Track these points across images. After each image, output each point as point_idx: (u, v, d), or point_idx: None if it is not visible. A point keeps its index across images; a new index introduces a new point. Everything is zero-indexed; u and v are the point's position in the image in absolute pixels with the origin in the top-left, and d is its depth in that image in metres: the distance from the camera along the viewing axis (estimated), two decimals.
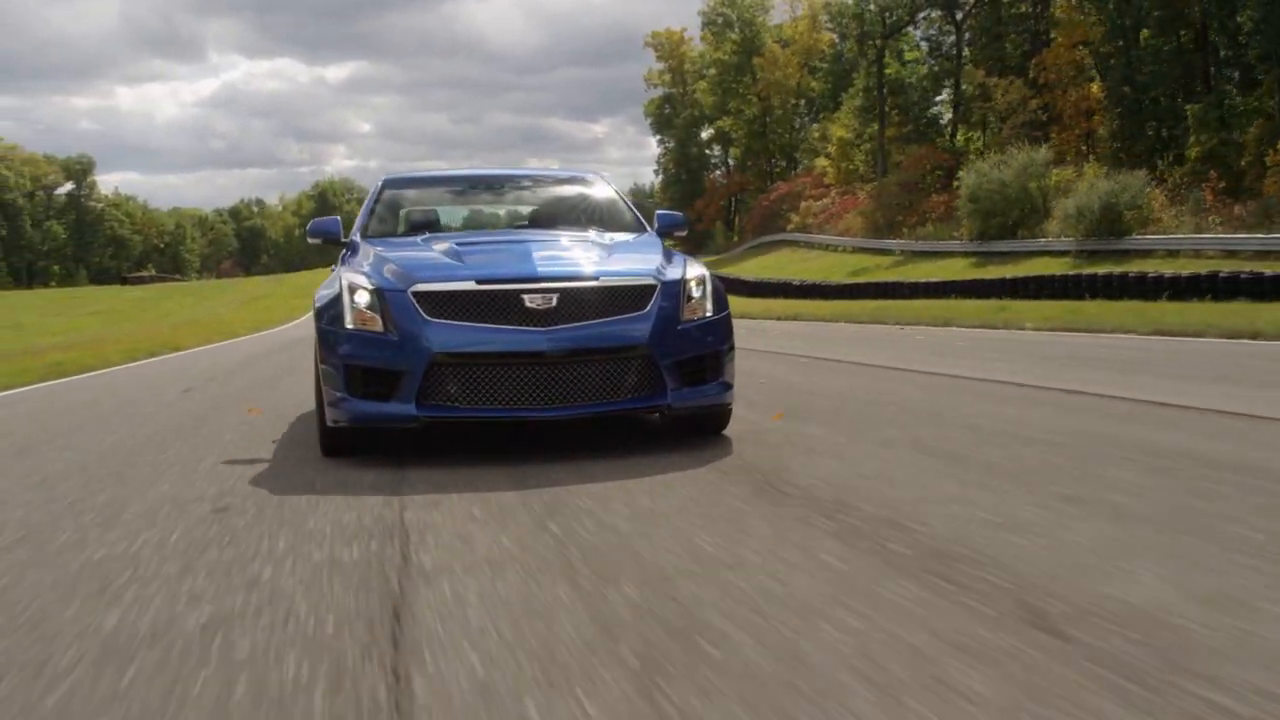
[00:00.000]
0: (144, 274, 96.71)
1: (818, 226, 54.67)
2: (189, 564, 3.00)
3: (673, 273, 4.80)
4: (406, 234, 5.86)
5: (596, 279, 4.59)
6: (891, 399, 6.45)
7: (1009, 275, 27.44)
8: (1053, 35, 48.59)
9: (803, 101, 71.13)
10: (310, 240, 5.90)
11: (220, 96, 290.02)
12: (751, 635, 2.20)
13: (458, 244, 5.11)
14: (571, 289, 4.52)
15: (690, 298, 4.78)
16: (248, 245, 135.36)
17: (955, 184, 41.16)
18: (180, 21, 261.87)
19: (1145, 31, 41.55)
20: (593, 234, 5.59)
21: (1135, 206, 30.27)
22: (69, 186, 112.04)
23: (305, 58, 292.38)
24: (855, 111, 57.21)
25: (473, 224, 6.83)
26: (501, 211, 6.97)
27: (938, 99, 56.09)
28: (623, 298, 4.60)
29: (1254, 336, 10.81)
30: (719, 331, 4.83)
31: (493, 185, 6.95)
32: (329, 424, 4.69)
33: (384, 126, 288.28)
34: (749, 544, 2.97)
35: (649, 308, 4.60)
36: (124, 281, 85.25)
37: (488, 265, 4.74)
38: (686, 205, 78.49)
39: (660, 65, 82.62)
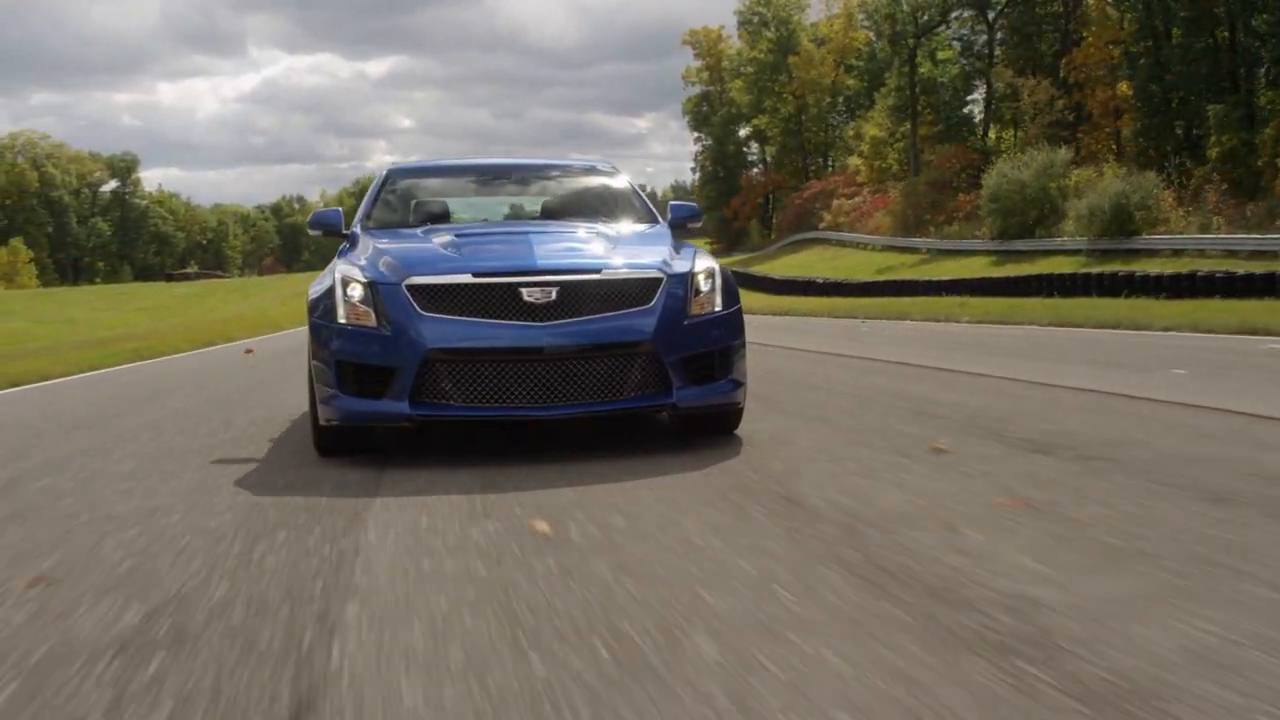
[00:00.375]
0: (188, 271, 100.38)
1: (849, 225, 56.58)
2: (261, 433, 5.25)
3: (680, 265, 4.77)
4: (410, 226, 5.84)
5: (599, 271, 4.55)
6: (769, 369, 8.40)
7: (1016, 274, 29.31)
8: (1084, 34, 50.16)
9: (839, 99, 72.96)
10: (311, 232, 5.92)
11: (261, 92, 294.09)
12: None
13: (458, 236, 5.09)
14: (572, 282, 4.47)
15: (699, 291, 4.74)
16: (289, 242, 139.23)
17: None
18: (220, 17, 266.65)
19: (1177, 30, 43.03)
20: (601, 226, 5.53)
21: (1144, 207, 31.94)
22: (114, 184, 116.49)
23: (346, 52, 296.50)
24: (888, 110, 59.06)
25: (480, 215, 6.84)
26: (510, 202, 6.96)
27: (970, 98, 57.78)
28: (627, 291, 4.55)
29: (1167, 329, 12.76)
30: (729, 327, 4.80)
31: (502, 175, 6.89)
32: (321, 423, 4.70)
33: (425, 121, 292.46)
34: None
35: (654, 302, 4.55)
36: (169, 278, 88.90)
37: (485, 257, 4.73)
38: (723, 203, 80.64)
39: (698, 63, 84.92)
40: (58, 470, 4.61)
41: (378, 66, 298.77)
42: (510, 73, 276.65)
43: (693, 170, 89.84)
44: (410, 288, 4.46)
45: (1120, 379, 6.86)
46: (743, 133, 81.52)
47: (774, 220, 74.15)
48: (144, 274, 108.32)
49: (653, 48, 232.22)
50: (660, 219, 5.84)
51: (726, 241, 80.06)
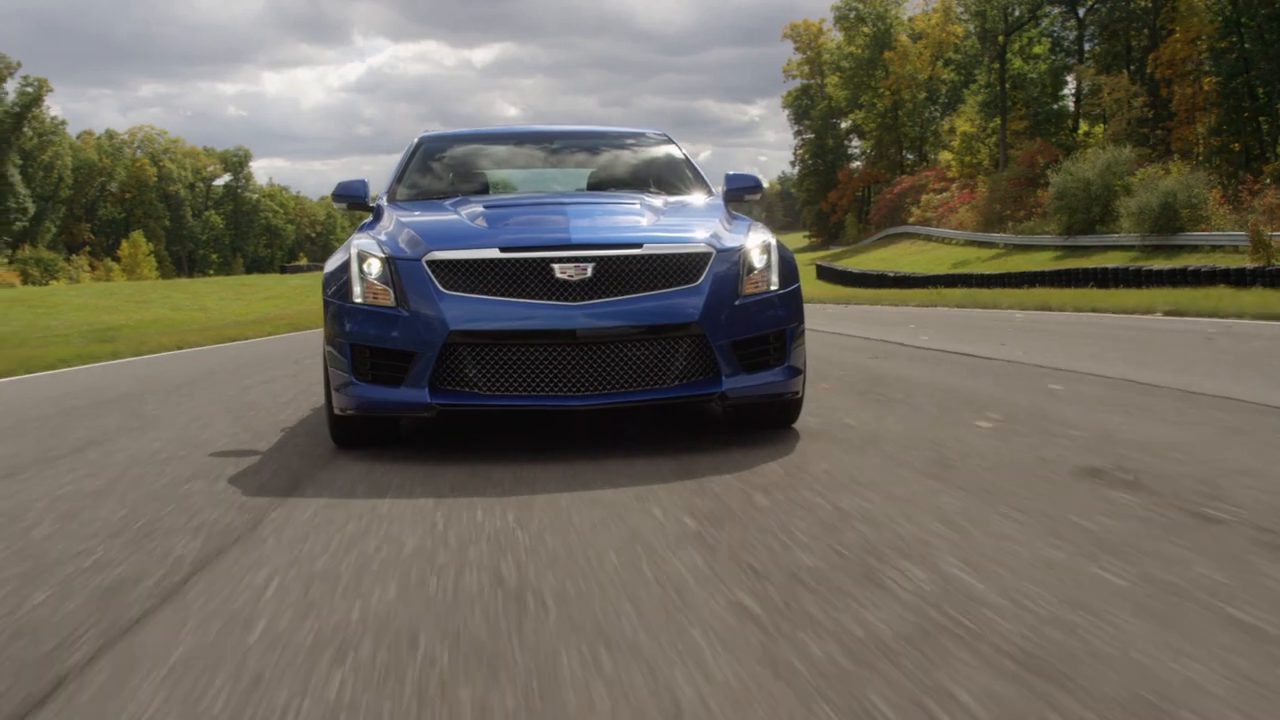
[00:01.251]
0: (300, 264, 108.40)
1: (936, 220, 60.50)
2: None
3: (732, 239, 4.51)
4: (441, 198, 5.66)
5: (640, 246, 4.27)
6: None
7: (1064, 268, 33.37)
8: (1173, 29, 53.17)
9: (935, 93, 76.56)
10: (335, 205, 5.81)
11: (366, 81, 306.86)
12: None
13: (487, 207, 4.88)
14: (610, 257, 4.21)
15: (752, 268, 4.47)
16: None
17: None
18: (326, 5, 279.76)
19: (1251, 23, 46.00)
20: (647, 197, 5.34)
21: (1190, 205, 35.64)
22: (227, 178, 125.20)
23: (451, 40, 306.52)
24: (978, 106, 62.70)
25: (519, 187, 6.68)
26: (552, 172, 6.78)
27: (1063, 93, 61.08)
28: (671, 268, 4.29)
29: (1145, 311, 17.21)
30: (786, 308, 4.54)
31: (543, 143, 6.72)
32: (336, 411, 4.48)
33: (531, 109, 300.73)
34: None
35: (701, 279, 4.28)
36: (282, 270, 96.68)
37: (515, 230, 4.47)
38: (821, 197, 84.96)
39: (799, 56, 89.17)
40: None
41: (483, 54, 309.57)
42: (619, 58, 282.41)
43: (791, 164, 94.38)
44: (431, 263, 4.24)
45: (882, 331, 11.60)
46: (844, 125, 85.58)
47: (869, 214, 78.22)
48: (255, 266, 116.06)
49: (766, 31, 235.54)
50: (713, 190, 5.75)
51: (824, 235, 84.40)
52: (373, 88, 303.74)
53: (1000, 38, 60.51)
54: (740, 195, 5.61)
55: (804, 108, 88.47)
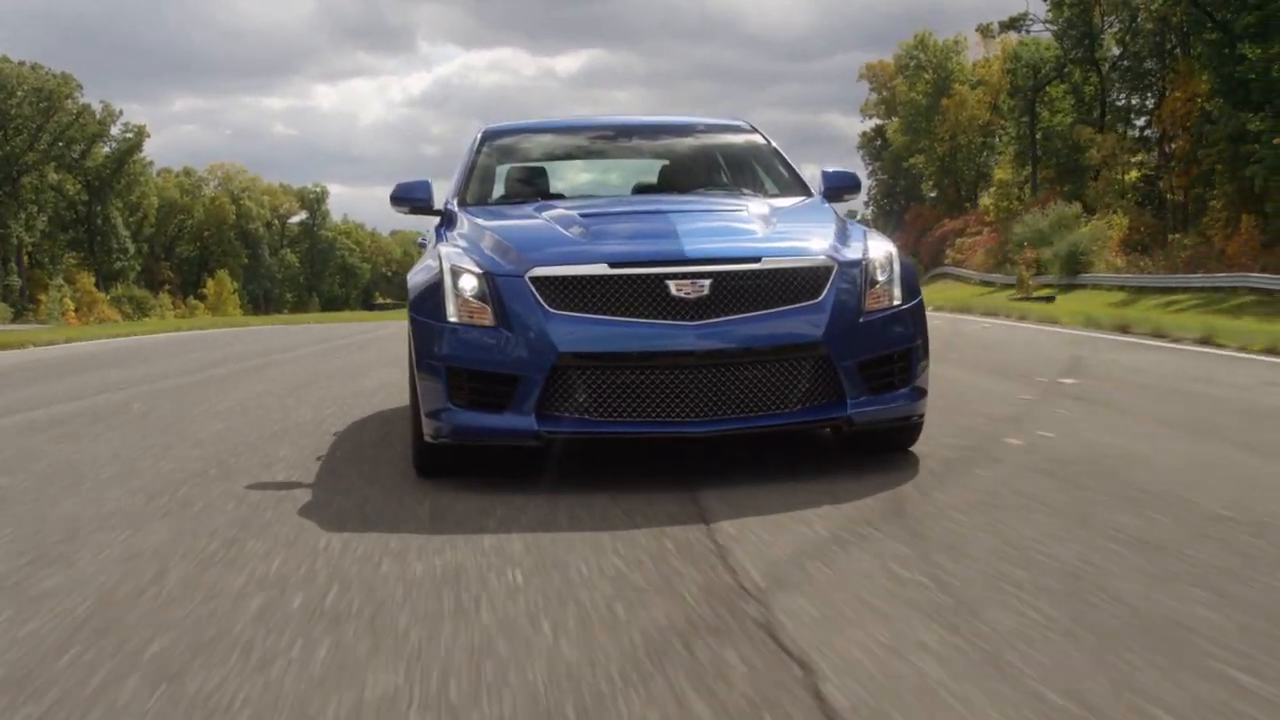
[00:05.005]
0: (385, 301, 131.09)
1: (964, 261, 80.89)
2: None
3: (853, 251, 5.12)
4: (513, 199, 6.49)
5: (758, 260, 4.88)
6: None
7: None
8: (1171, 90, 72.66)
9: (991, 139, 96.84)
10: (396, 209, 6.47)
11: (433, 94, 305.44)
12: None
13: (582, 215, 5.45)
14: (728, 273, 4.82)
15: (875, 282, 5.07)
16: None
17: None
18: (386, 7, 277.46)
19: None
20: (747, 200, 6.03)
21: (1086, 251, 56.15)
22: (303, 215, 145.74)
23: (530, 47, 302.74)
24: (1012, 156, 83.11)
25: (597, 185, 7.44)
26: (628, 167, 7.60)
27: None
28: (792, 283, 4.89)
29: None
30: (911, 324, 5.15)
31: (619, 135, 7.42)
32: (427, 438, 5.10)
33: None
34: None
35: (824, 295, 4.89)
36: (370, 308, 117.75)
37: (620, 242, 5.10)
38: (893, 238, 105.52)
39: (874, 96, 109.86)
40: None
41: (569, 62, 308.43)
42: (728, 66, 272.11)
43: (865, 205, 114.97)
44: (535, 280, 4.80)
45: None
46: (906, 167, 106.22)
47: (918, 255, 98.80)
48: (329, 305, 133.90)
49: (898, 33, 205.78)
50: (811, 189, 6.40)
51: None
52: (440, 101, 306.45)
53: (1029, 93, 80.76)
54: (840, 194, 6.32)
55: (876, 149, 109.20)
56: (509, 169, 7.10)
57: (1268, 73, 52.75)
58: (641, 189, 7.12)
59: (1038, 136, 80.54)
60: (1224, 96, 56.39)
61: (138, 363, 17.20)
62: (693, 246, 4.95)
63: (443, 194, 6.70)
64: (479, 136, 7.12)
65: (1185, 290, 45.17)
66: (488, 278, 4.95)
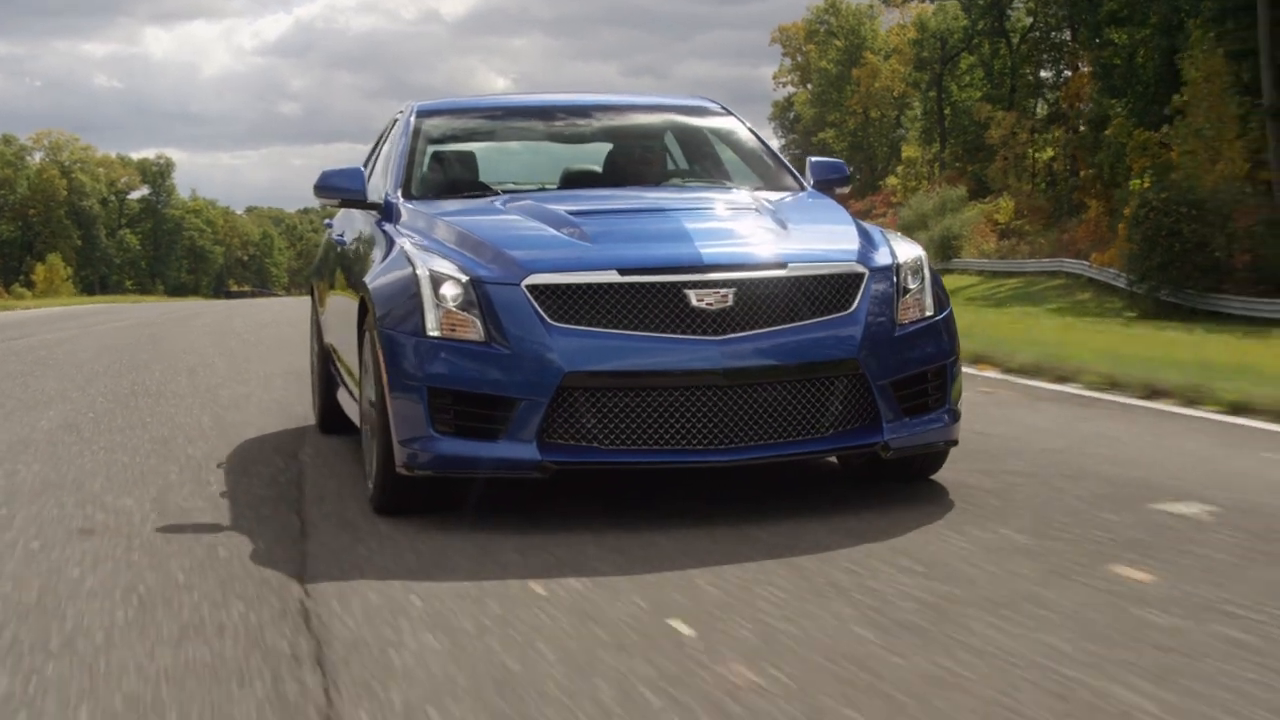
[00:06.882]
0: (242, 289, 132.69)
1: None
2: None
3: (882, 255, 5.50)
4: (462, 191, 6.83)
5: (784, 266, 5.22)
6: None
7: None
8: (1075, 66, 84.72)
9: (905, 113, 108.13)
10: (321, 200, 6.74)
11: (292, 41, 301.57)
12: None
13: (571, 212, 5.77)
14: (752, 281, 5.16)
15: (906, 290, 5.45)
16: None
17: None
18: None
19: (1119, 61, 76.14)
20: (743, 194, 6.47)
21: (958, 236, 69.24)
22: (144, 190, 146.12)
23: None
24: (918, 134, 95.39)
25: (551, 173, 7.60)
26: (588, 153, 7.85)
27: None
28: (820, 292, 5.25)
29: None
30: (944, 338, 5.57)
31: (575, 115, 7.77)
32: (400, 469, 5.29)
33: (528, 80, 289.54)
34: None
35: (855, 305, 5.26)
36: (227, 296, 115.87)
37: (630, 245, 5.37)
38: None
39: (788, 62, 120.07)
40: None
41: (456, 5, 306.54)
42: (645, 9, 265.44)
43: None
44: (533, 288, 5.11)
45: None
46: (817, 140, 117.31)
47: None
48: (177, 293, 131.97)
49: None
50: (804, 181, 6.83)
51: None
52: (301, 49, 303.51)
53: (936, 66, 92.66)
54: (830, 187, 6.68)
55: (790, 120, 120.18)
56: (451, 152, 7.37)
57: (1132, 58, 65.20)
58: (612, 177, 7.30)
59: (946, 112, 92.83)
60: (1100, 80, 68.81)
61: None
62: (710, 250, 5.27)
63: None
64: (412, 114, 7.26)
65: (1021, 274, 58.18)
66: (475, 285, 5.16)
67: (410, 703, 3.47)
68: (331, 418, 7.88)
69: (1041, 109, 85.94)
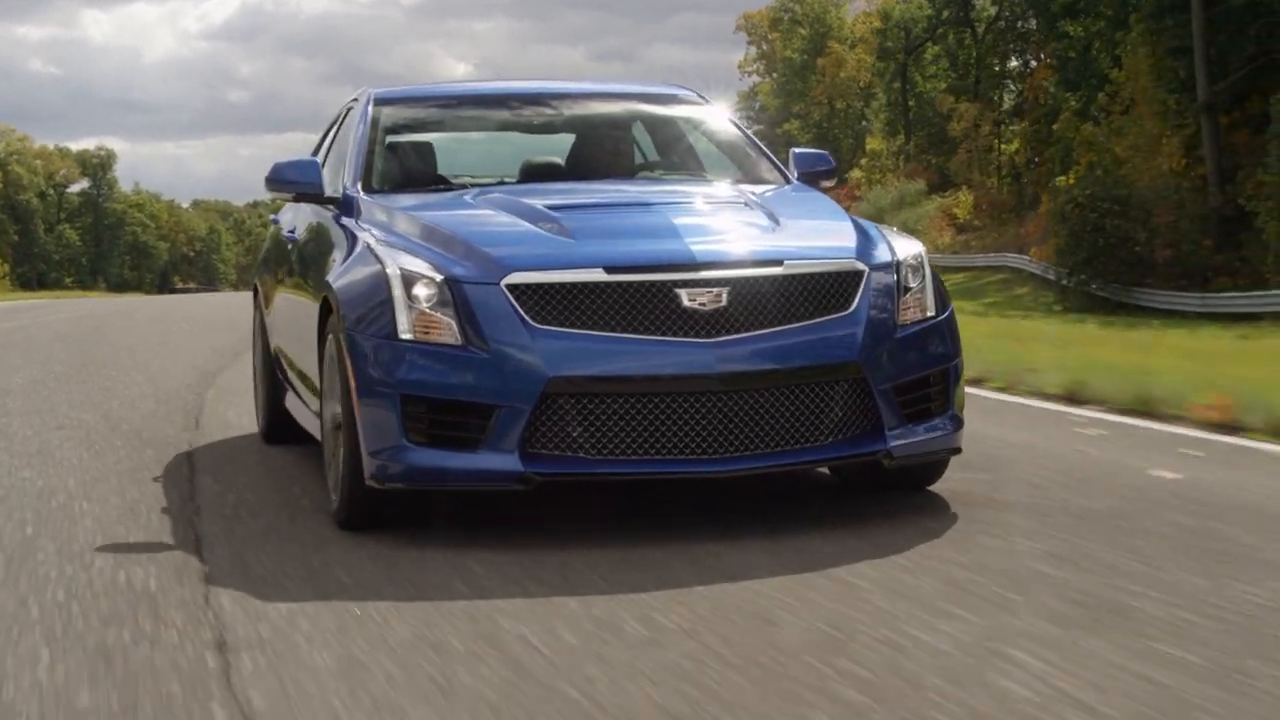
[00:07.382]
0: (188, 285, 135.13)
1: None
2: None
3: (881, 251, 5.50)
4: (422, 184, 6.83)
5: (780, 263, 5.22)
6: None
7: None
8: (1039, 57, 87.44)
9: (870, 103, 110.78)
10: (273, 194, 6.86)
11: (240, 24, 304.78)
12: None
13: (549, 206, 5.75)
14: (746, 279, 5.15)
15: (907, 288, 5.47)
16: None
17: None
18: None
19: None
20: (729, 186, 6.56)
21: (914, 231, 72.51)
22: (84, 183, 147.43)
23: None
24: (883, 125, 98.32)
25: (515, 163, 7.45)
26: (555, 143, 7.84)
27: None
28: (818, 290, 5.25)
29: None
30: (947, 339, 5.60)
31: (540, 102, 7.80)
32: (370, 481, 5.22)
33: (491, 65, 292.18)
34: None
35: (855, 305, 5.27)
36: (173, 292, 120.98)
37: (615, 242, 5.38)
38: None
39: (753, 50, 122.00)
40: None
41: None
42: None
43: None
44: (513, 288, 5.08)
45: None
46: (781, 132, 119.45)
47: None
48: (119, 289, 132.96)
49: None
50: (789, 173, 6.92)
51: None
52: (250, 33, 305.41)
53: (900, 55, 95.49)
54: (815, 180, 6.83)
55: (756, 110, 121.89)
56: (408, 143, 7.44)
57: (1087, 51, 68.09)
58: (576, 169, 7.31)
59: (911, 104, 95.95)
60: (1057, 73, 71.79)
61: None
62: (701, 247, 5.27)
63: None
64: (369, 101, 7.23)
65: (969, 269, 61.53)
66: (450, 285, 5.13)
67: None
68: (278, 426, 7.93)
69: (1008, 100, 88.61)
